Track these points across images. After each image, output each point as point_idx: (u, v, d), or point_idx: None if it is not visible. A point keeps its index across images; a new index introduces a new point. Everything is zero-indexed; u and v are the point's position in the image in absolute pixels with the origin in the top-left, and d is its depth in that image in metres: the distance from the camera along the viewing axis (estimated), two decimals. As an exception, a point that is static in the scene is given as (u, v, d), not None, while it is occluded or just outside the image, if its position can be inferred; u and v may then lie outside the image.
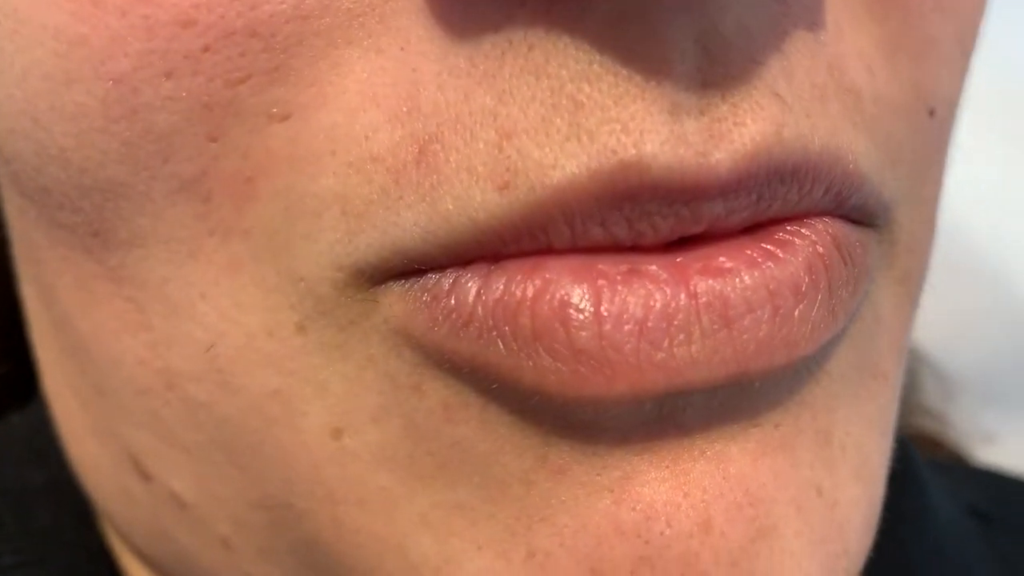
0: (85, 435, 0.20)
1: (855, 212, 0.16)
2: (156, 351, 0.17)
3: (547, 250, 0.15)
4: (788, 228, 0.15)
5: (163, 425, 0.17)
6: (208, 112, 0.15)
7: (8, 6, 0.16)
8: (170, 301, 0.16)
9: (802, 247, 0.15)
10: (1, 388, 0.27)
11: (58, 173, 0.16)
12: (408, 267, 0.15)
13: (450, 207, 0.14)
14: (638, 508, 0.15)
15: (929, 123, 0.17)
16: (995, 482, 0.36)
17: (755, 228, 0.15)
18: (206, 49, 0.15)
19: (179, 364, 0.17)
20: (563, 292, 0.14)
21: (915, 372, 0.42)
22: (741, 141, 0.14)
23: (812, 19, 0.15)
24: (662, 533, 0.15)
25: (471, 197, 0.14)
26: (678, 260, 0.15)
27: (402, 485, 0.16)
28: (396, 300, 0.15)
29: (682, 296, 0.14)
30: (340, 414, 0.16)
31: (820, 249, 0.15)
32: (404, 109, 0.14)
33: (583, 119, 0.14)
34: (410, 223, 0.14)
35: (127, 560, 0.23)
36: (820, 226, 0.15)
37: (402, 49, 0.14)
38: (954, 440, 0.43)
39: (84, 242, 0.17)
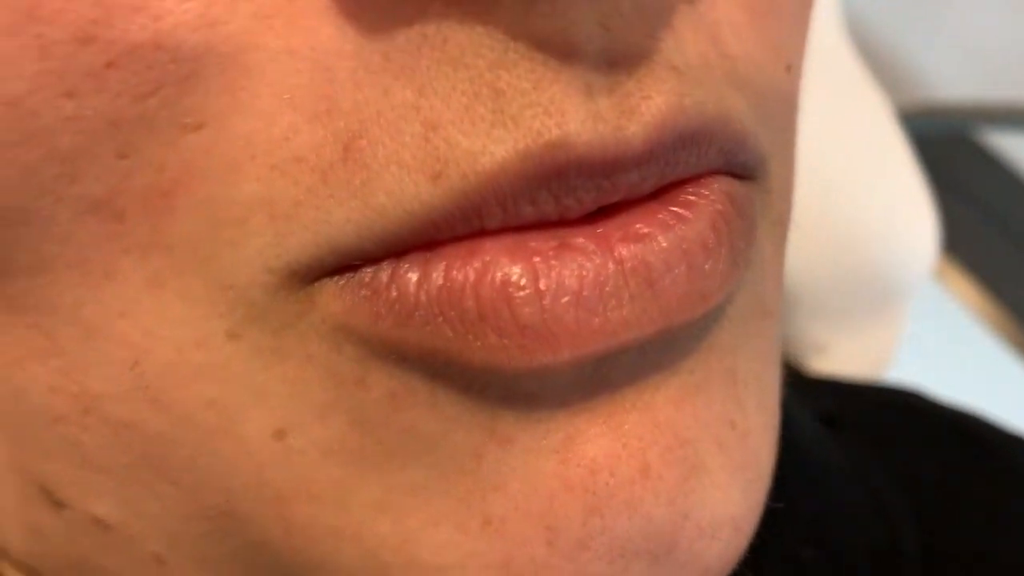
0: None
1: (741, 168, 0.17)
2: (70, 376, 0.16)
3: (480, 232, 0.15)
4: (689, 190, 0.16)
5: (81, 451, 0.17)
6: (116, 129, 0.14)
7: None
8: (85, 324, 0.16)
9: (704, 207, 0.16)
10: None
11: None
12: (342, 263, 0.15)
13: (383, 201, 0.15)
14: (583, 464, 0.16)
15: (787, 78, 0.19)
16: (834, 388, 0.39)
17: (660, 192, 0.16)
18: (109, 65, 0.14)
19: (98, 387, 0.16)
20: (503, 272, 0.15)
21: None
22: (650, 113, 0.15)
23: None
24: (607, 483, 0.16)
25: (404, 190, 0.15)
26: (599, 231, 0.15)
27: (353, 475, 0.16)
28: (333, 298, 0.15)
29: (610, 264, 0.15)
30: (282, 416, 0.16)
31: (719, 207, 0.16)
32: (323, 108, 0.15)
33: (505, 105, 0.14)
34: (342, 220, 0.15)
35: None
36: (716, 185, 0.16)
37: (313, 49, 0.14)
38: (790, 354, 0.46)
39: None
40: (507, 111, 0.14)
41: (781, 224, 0.20)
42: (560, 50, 0.14)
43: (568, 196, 0.15)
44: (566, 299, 0.15)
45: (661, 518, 0.16)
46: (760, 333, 0.19)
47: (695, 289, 0.16)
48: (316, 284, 0.15)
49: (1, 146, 0.15)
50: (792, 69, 0.18)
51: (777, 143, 0.19)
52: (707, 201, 0.16)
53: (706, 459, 0.17)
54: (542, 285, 0.15)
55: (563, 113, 0.15)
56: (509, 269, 0.15)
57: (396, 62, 0.14)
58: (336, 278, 0.15)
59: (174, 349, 0.16)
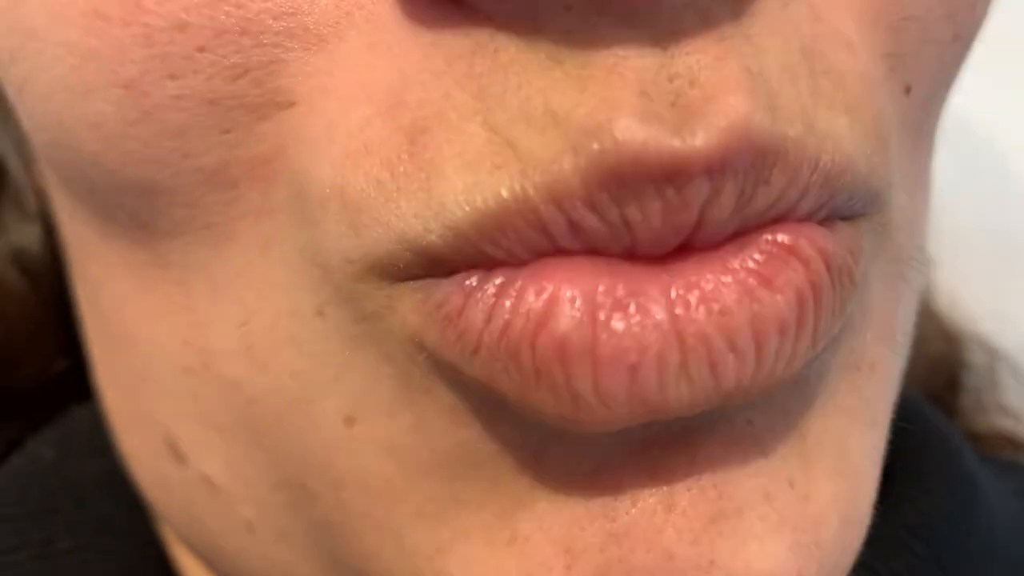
0: (128, 426, 0.21)
1: (846, 203, 0.16)
2: (198, 330, 0.18)
3: (550, 251, 0.15)
4: (780, 241, 0.15)
5: (200, 405, 0.18)
6: (214, 107, 0.16)
7: (29, 27, 0.17)
8: (212, 282, 0.17)
9: (792, 277, 0.15)
10: (64, 383, 0.28)
11: (97, 175, 0.17)
12: (419, 263, 0.15)
13: (445, 195, 0.15)
14: (607, 490, 0.16)
15: (904, 100, 0.17)
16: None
17: (745, 235, 0.15)
18: (201, 49, 0.15)
19: (216, 342, 0.17)
20: (562, 327, 0.14)
21: (993, 370, 0.40)
22: (716, 119, 0.14)
23: (782, 2, 0.15)
24: (628, 512, 0.16)
25: (465, 185, 0.15)
26: (673, 293, 0.15)
27: (404, 477, 0.16)
28: (411, 311, 0.15)
29: (673, 339, 0.14)
30: (354, 403, 0.16)
31: (812, 278, 0.15)
32: (393, 102, 0.15)
33: (558, 108, 0.14)
34: (410, 214, 0.15)
35: (178, 549, 0.24)
36: (814, 246, 0.15)
37: (390, 48, 0.15)
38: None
39: (133, 233, 0.18)
40: (557, 114, 0.14)
41: (901, 260, 0.18)
42: (608, 62, 0.14)
43: (631, 203, 0.14)
44: (622, 373, 0.14)
45: (683, 557, 0.15)
46: (850, 390, 0.17)
47: (761, 372, 0.15)
48: (400, 286, 0.15)
49: (124, 123, 0.16)
50: (913, 92, 0.17)
51: (899, 171, 0.17)
52: (797, 270, 0.15)
53: (745, 508, 0.16)
54: (600, 350, 0.14)
55: (619, 116, 0.14)
56: (569, 324, 0.14)
57: (456, 68, 0.15)
58: (415, 286, 0.15)
59: (274, 314, 0.17)
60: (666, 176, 0.14)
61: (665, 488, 0.16)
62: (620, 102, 0.14)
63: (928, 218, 0.19)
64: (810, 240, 0.15)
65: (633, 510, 0.15)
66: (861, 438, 0.17)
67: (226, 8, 0.15)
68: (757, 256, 0.15)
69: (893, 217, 0.17)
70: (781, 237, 0.15)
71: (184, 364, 0.18)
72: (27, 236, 0.30)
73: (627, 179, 0.14)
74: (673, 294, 0.14)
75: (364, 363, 0.16)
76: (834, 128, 0.15)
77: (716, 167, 0.14)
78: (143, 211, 0.17)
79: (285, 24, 0.15)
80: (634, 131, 0.14)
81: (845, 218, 0.16)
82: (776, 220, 0.15)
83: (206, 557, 0.21)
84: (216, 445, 0.18)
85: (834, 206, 0.15)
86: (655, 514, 0.15)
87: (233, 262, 0.17)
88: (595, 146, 0.14)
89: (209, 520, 0.19)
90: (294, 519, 0.18)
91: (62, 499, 0.25)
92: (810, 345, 0.15)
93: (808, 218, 0.15)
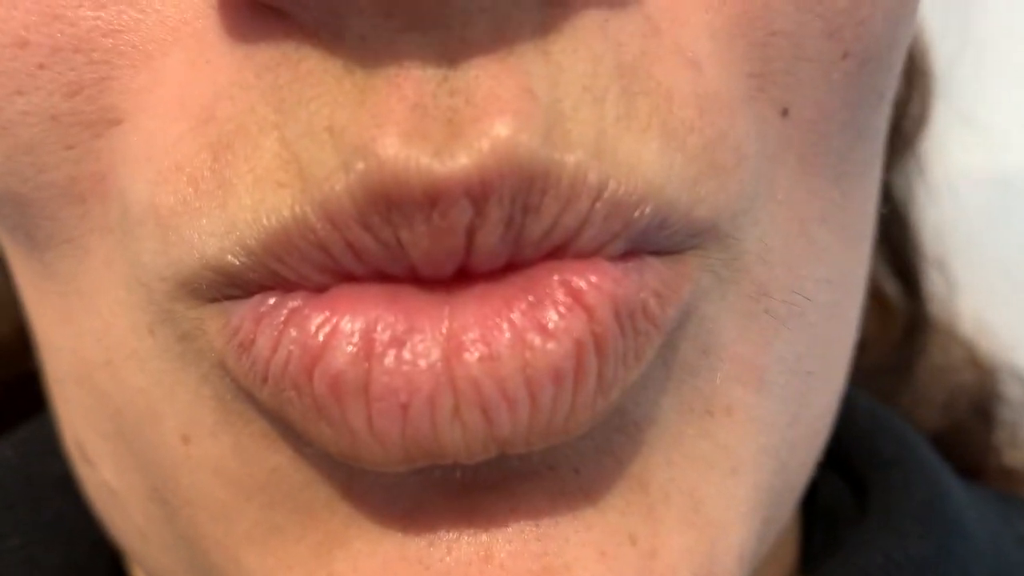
0: (61, 426, 0.21)
1: (661, 236, 0.15)
2: (78, 340, 0.18)
3: (341, 272, 0.15)
4: (567, 282, 0.14)
5: (91, 412, 0.18)
6: (56, 123, 0.16)
7: None
8: (80, 294, 0.17)
9: (573, 327, 0.14)
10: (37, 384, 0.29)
11: None
12: (221, 283, 0.15)
13: (239, 214, 0.15)
14: (423, 536, 0.15)
15: (782, 123, 0.16)
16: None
17: (534, 266, 0.14)
18: (41, 66, 0.16)
19: (90, 354, 0.18)
20: (338, 364, 0.14)
21: (1020, 403, 0.38)
22: (478, 140, 0.13)
23: (604, 17, 0.14)
24: (442, 560, 0.15)
25: (258, 203, 0.14)
26: (445, 329, 0.14)
27: (233, 500, 0.16)
28: (216, 335, 0.16)
29: (444, 383, 0.14)
30: (186, 422, 0.16)
31: (596, 328, 0.14)
32: (204, 118, 0.15)
33: (336, 123, 0.14)
34: (208, 233, 0.15)
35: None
36: (597, 297, 0.14)
37: (208, 63, 0.15)
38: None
39: (24, 243, 0.18)
40: (335, 129, 0.14)
41: (767, 295, 0.16)
42: (391, 76, 0.14)
43: (402, 224, 0.14)
44: (394, 413, 0.14)
45: None
46: (702, 436, 0.16)
47: (538, 421, 0.14)
48: (208, 307, 0.16)
49: None
50: (792, 114, 0.15)
51: (756, 198, 0.16)
52: (578, 318, 0.14)
53: (575, 566, 0.15)
54: (372, 387, 0.14)
55: (383, 135, 0.14)
56: (345, 359, 0.14)
57: (264, 80, 0.14)
58: (219, 308, 0.15)
59: (121, 329, 0.17)
60: (428, 199, 0.14)
61: (484, 536, 0.15)
62: (389, 118, 0.14)
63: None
64: (597, 285, 0.14)
65: (448, 558, 0.15)
66: (718, 486, 0.16)
67: (60, 26, 0.15)
68: (538, 298, 0.14)
69: (748, 247, 0.16)
70: (572, 280, 0.14)
71: (75, 372, 0.18)
72: None
73: (394, 200, 0.14)
74: (446, 330, 0.14)
75: (188, 383, 0.16)
76: (639, 154, 0.14)
77: (476, 191, 0.14)
78: (21, 223, 0.17)
79: (113, 42, 0.15)
80: (396, 150, 0.13)
81: (665, 252, 0.15)
82: (560, 248, 0.14)
83: (129, 556, 0.21)
84: (107, 452, 0.19)
85: (637, 238, 0.14)
86: (471, 564, 0.15)
87: (90, 276, 0.17)
88: (360, 165, 0.14)
89: (118, 523, 0.20)
90: (170, 531, 0.18)
91: (19, 498, 0.26)
92: (596, 395, 0.14)
93: (600, 250, 0.14)
